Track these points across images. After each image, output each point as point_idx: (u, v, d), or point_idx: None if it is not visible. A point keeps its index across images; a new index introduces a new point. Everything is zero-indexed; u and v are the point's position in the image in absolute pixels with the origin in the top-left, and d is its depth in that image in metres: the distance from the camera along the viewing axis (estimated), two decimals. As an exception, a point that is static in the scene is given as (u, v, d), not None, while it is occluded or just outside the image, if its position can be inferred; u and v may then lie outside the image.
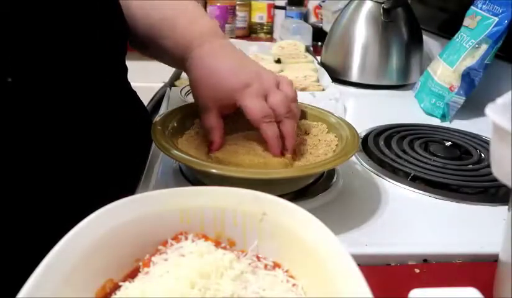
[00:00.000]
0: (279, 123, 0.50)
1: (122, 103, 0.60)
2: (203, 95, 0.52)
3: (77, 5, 0.48)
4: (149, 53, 0.63)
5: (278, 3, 1.59)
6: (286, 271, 0.32)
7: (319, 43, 1.31)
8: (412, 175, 0.58)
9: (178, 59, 0.56)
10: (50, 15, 0.45)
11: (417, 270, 0.41)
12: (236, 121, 0.55)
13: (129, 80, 0.64)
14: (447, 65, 0.83)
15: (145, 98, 0.81)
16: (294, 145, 0.52)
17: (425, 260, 0.43)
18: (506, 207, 0.47)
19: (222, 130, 0.52)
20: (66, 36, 0.46)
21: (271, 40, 1.53)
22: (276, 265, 0.32)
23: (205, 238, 0.33)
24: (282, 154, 0.51)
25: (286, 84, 0.52)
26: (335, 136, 0.54)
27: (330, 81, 0.91)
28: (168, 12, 0.57)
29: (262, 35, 1.60)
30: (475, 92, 0.80)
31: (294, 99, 0.52)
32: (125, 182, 0.54)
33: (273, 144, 0.50)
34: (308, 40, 1.30)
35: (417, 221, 0.50)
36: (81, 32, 0.48)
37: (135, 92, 0.65)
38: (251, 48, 1.18)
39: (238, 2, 1.56)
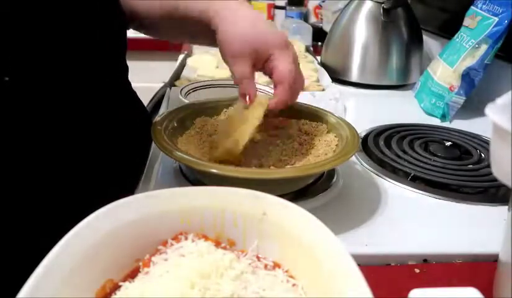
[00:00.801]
0: None
1: (122, 103, 0.60)
2: (240, 42, 0.50)
3: (77, 4, 0.48)
4: (164, 30, 0.64)
5: (278, 3, 1.59)
6: (286, 271, 0.32)
7: (319, 43, 1.31)
8: (412, 175, 0.58)
9: (200, 24, 0.54)
10: (49, 15, 0.44)
11: (417, 270, 0.41)
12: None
13: (129, 80, 0.64)
14: (447, 65, 0.83)
15: (145, 98, 0.81)
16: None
17: (425, 260, 0.43)
18: (506, 207, 0.47)
19: (255, 82, 0.52)
20: (66, 36, 0.46)
21: (271, 40, 1.53)
22: (276, 265, 0.32)
23: (206, 238, 0.33)
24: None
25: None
26: (335, 136, 0.54)
27: (330, 81, 0.91)
28: None
29: (262, 35, 1.59)
30: (475, 92, 0.80)
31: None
32: (125, 182, 0.54)
33: (280, 103, 0.51)
34: (308, 40, 1.30)
35: (417, 221, 0.50)
36: (81, 32, 0.48)
37: (135, 92, 0.65)
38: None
39: (238, 2, 1.56)
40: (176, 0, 0.57)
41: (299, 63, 0.53)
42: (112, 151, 0.55)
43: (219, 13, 0.52)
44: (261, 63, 0.51)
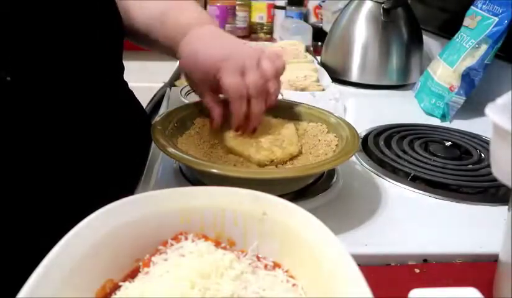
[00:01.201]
0: (249, 101, 0.50)
1: (121, 103, 0.60)
2: (192, 77, 0.53)
3: (77, 4, 0.48)
4: (146, 45, 0.65)
5: (278, 3, 1.59)
6: (286, 271, 0.32)
7: (319, 43, 1.31)
8: (412, 175, 0.58)
9: (170, 50, 0.58)
10: (50, 15, 0.45)
11: (417, 270, 0.41)
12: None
13: (129, 80, 0.64)
14: (447, 65, 0.83)
15: (145, 98, 0.81)
16: (257, 125, 0.53)
17: (425, 260, 0.43)
18: (506, 207, 0.47)
19: (220, 107, 0.53)
20: (66, 36, 0.46)
21: (271, 40, 1.53)
22: (276, 265, 0.32)
23: (205, 238, 0.33)
24: (244, 131, 0.53)
25: (267, 60, 0.50)
26: (335, 136, 0.54)
27: (330, 81, 0.91)
28: (160, 6, 0.59)
29: (262, 35, 1.59)
30: (475, 92, 0.80)
31: (274, 76, 0.50)
32: (125, 182, 0.54)
33: (235, 121, 0.51)
34: (308, 40, 1.30)
35: (417, 221, 0.50)
36: (81, 32, 0.48)
37: (132, 92, 0.65)
38: (251, 48, 1.18)
39: (238, 2, 1.56)
40: (153, 27, 0.59)
41: (260, 58, 0.50)
42: (111, 151, 0.55)
43: (180, 50, 0.55)
44: (218, 84, 0.50)
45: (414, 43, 0.99)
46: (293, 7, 1.53)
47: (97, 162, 0.52)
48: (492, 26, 0.76)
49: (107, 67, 0.55)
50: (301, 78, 0.88)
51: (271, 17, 1.60)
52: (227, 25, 1.50)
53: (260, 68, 0.49)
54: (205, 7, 1.48)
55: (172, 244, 0.32)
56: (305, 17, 1.59)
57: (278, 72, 0.51)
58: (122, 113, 0.59)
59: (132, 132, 0.60)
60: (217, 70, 0.49)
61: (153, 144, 0.61)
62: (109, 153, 0.54)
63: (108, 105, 0.55)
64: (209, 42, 0.53)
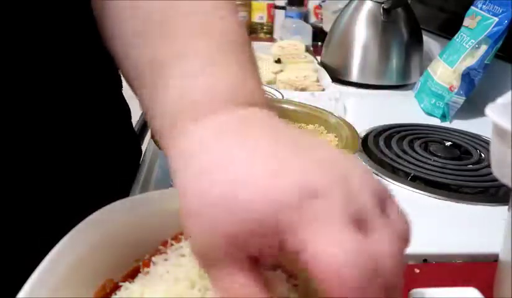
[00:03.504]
0: None
1: (117, 104, 0.60)
2: (208, 226, 0.22)
3: (74, 8, 0.47)
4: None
5: (278, 3, 1.59)
6: (286, 271, 0.32)
7: (319, 43, 1.31)
8: (412, 175, 0.58)
9: (157, 129, 0.31)
10: (44, 18, 0.44)
11: (417, 271, 0.41)
12: None
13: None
14: (447, 65, 0.83)
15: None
16: None
17: (425, 260, 0.43)
18: (506, 207, 0.47)
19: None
20: (61, 41, 0.46)
21: (271, 40, 1.53)
22: (276, 265, 0.32)
23: (205, 238, 0.33)
24: None
25: (395, 204, 0.25)
26: (335, 136, 0.54)
27: (330, 81, 0.91)
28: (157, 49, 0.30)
29: (262, 35, 1.59)
30: (475, 92, 0.80)
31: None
32: (124, 182, 0.54)
33: None
34: (308, 40, 1.30)
35: (417, 221, 0.50)
36: (79, 34, 0.48)
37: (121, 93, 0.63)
38: (251, 48, 1.18)
39: (238, 2, 1.56)
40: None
41: (385, 198, 0.24)
42: (110, 151, 0.54)
43: (178, 145, 0.28)
44: (272, 251, 0.23)
45: (414, 43, 0.99)
46: (293, 7, 1.53)
47: (96, 163, 0.52)
48: (492, 26, 0.76)
49: (100, 70, 0.54)
50: (301, 78, 0.88)
51: (271, 17, 1.60)
52: (227, 25, 1.50)
53: (389, 218, 0.24)
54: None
55: (172, 244, 0.32)
56: (305, 17, 1.59)
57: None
58: (119, 113, 0.59)
59: (130, 132, 0.60)
60: (292, 222, 0.21)
61: (153, 144, 0.61)
62: (108, 154, 0.54)
63: (107, 105, 0.55)
64: (266, 154, 0.23)
